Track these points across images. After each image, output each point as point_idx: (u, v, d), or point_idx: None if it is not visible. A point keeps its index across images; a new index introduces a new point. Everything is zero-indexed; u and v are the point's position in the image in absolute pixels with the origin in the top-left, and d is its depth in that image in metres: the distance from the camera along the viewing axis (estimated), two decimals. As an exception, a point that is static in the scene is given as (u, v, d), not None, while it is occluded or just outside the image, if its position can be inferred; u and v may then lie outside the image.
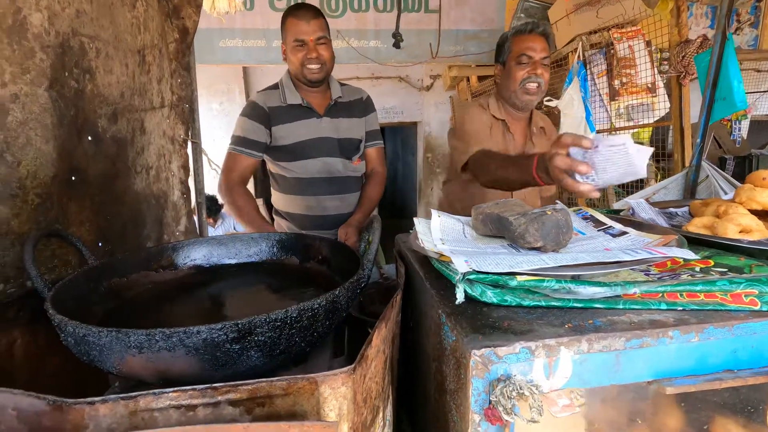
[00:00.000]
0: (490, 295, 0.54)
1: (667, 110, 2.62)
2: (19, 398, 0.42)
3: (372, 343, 0.52)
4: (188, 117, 1.44)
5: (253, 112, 1.53)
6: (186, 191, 1.45)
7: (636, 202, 0.96)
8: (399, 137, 6.87)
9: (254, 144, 1.51)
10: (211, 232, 3.11)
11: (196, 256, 0.95)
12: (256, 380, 0.44)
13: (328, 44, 1.51)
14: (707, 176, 1.70)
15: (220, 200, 3.29)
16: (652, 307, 0.52)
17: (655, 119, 2.70)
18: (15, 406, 0.42)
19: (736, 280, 0.52)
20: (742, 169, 3.62)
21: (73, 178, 0.82)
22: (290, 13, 1.49)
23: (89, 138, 0.87)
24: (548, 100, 2.78)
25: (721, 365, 0.50)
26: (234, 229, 3.11)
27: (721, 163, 3.59)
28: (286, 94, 1.56)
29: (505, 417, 0.44)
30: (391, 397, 0.65)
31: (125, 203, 1.05)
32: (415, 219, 0.87)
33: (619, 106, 2.77)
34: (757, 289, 0.50)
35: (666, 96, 2.59)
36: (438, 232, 0.82)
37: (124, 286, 0.82)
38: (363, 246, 0.94)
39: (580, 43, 2.69)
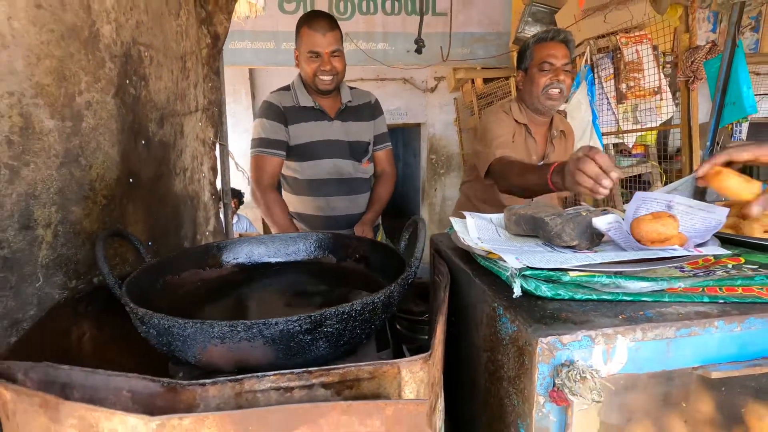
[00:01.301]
0: (545, 290, 0.59)
1: (673, 113, 2.68)
2: (134, 381, 0.47)
3: (436, 333, 0.57)
4: (217, 120, 1.49)
5: (270, 112, 1.57)
6: (215, 192, 1.49)
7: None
8: (403, 138, 6.92)
9: (277, 143, 1.56)
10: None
11: (239, 255, 1.00)
12: (346, 365, 0.48)
13: (342, 56, 1.55)
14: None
15: (247, 198, 3.45)
16: (696, 300, 0.57)
17: (661, 122, 2.76)
18: (129, 389, 0.47)
19: (773, 275, 0.57)
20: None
21: (131, 180, 0.86)
22: (306, 22, 1.52)
23: (142, 142, 0.91)
24: (557, 103, 2.84)
25: (759, 353, 0.55)
26: (247, 230, 3.16)
27: (723, 165, 3.67)
28: (299, 97, 1.61)
29: (571, 397, 0.48)
30: (443, 396, 0.69)
31: (168, 204, 1.10)
32: (451, 218, 0.92)
33: (626, 109, 2.83)
34: (793, 283, 0.55)
35: (671, 99, 2.65)
36: (474, 231, 0.86)
37: (177, 282, 0.87)
38: (402, 245, 0.99)
39: (588, 47, 2.75)
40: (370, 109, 1.74)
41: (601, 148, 2.74)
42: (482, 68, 4.19)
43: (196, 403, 0.45)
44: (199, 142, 1.36)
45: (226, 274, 0.97)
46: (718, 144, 1.71)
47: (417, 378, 0.50)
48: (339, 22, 1.55)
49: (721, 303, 0.57)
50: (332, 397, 0.48)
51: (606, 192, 0.90)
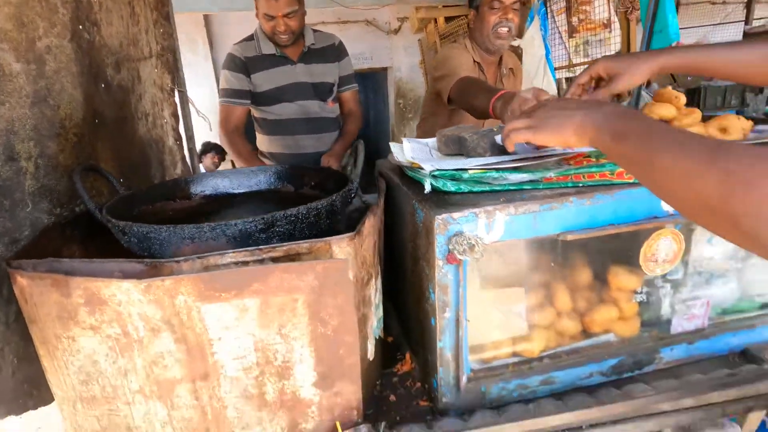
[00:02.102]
0: (449, 185, 0.74)
1: (620, 46, 2.80)
2: (124, 264, 0.61)
3: (365, 224, 0.72)
4: (173, 66, 1.54)
5: (233, 64, 1.65)
6: (178, 137, 1.57)
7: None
8: (369, 84, 6.84)
9: (240, 93, 1.65)
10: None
11: (205, 187, 1.12)
12: (289, 243, 0.63)
13: (296, 15, 1.60)
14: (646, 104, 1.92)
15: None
16: (562, 186, 0.74)
17: (610, 54, 2.88)
18: (120, 270, 0.61)
19: (620, 163, 0.74)
20: (691, 100, 3.91)
21: (96, 121, 0.95)
22: None
23: (102, 85, 0.99)
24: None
25: (605, 221, 0.73)
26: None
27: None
28: (261, 45, 1.67)
29: (459, 257, 0.65)
30: (379, 275, 0.86)
31: (134, 146, 1.19)
32: (390, 143, 1.05)
33: (577, 43, 2.93)
34: (632, 167, 0.72)
35: (619, 32, 2.76)
36: (409, 152, 1.01)
37: (151, 211, 0.99)
38: (349, 169, 1.12)
39: (541, -20, 2.79)
40: (335, 51, 1.80)
41: (554, 87, 2.87)
42: (444, 6, 4.15)
43: (173, 273, 0.60)
44: (157, 88, 1.42)
45: (194, 205, 1.09)
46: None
47: (344, 252, 0.66)
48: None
49: (580, 186, 0.74)
50: (279, 267, 0.63)
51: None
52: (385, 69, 5.22)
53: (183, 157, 1.61)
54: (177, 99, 1.58)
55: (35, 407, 0.80)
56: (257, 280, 0.59)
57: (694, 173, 0.39)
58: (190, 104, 1.68)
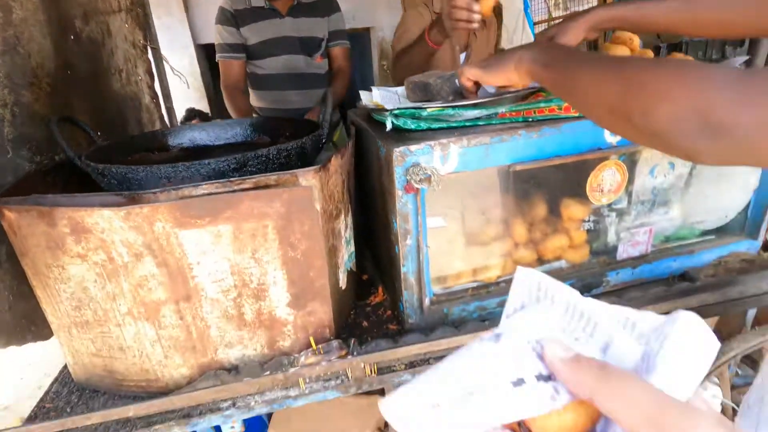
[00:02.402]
0: (409, 123, 0.80)
1: (601, -2, 2.79)
2: (105, 197, 0.66)
3: (331, 160, 0.78)
4: (143, 22, 1.52)
5: (224, 17, 1.66)
6: (154, 96, 1.58)
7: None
8: (352, 45, 6.69)
9: (234, 47, 1.67)
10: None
11: (183, 139, 1.15)
12: (258, 175, 0.68)
13: None
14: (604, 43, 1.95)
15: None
16: (514, 121, 0.79)
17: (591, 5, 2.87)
18: (102, 202, 0.66)
19: (567, 98, 0.79)
20: (675, 52, 3.94)
21: (69, 72, 0.97)
22: None
23: (72, 37, 1.00)
24: (491, -7, 2.88)
25: (553, 152, 0.79)
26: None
27: (656, 51, 3.88)
28: None
29: (416, 185, 0.71)
30: (350, 213, 0.92)
31: (109, 101, 1.21)
32: (360, 92, 1.09)
33: (557, -5, 2.91)
34: (577, 101, 0.78)
35: (599, -17, 2.74)
36: (378, 98, 1.05)
37: (128, 162, 1.02)
38: (320, 117, 1.16)
39: (520, -70, 2.73)
40: (325, 5, 1.79)
41: (533, 37, 2.86)
42: (425, -40, 4.02)
43: (151, 201, 0.65)
44: (129, 44, 1.42)
45: (172, 157, 1.12)
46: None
47: (310, 183, 0.71)
48: None
49: (530, 121, 0.79)
50: (250, 198, 0.69)
51: (478, 18, 1.06)
52: (368, 29, 5.09)
53: (161, 116, 1.62)
54: (151, 57, 1.58)
55: (34, 340, 0.87)
56: (230, 208, 0.65)
57: (601, 81, 0.45)
58: (165, 62, 1.67)
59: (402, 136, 0.79)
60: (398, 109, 0.81)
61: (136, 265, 0.66)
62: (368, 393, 1.41)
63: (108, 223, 0.63)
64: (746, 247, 1.02)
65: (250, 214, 0.66)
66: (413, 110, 0.80)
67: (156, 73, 1.62)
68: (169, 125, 1.72)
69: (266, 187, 0.69)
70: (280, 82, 1.79)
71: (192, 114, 3.78)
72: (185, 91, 3.61)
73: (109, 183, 0.80)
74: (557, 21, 2.95)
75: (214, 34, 1.72)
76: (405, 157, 0.73)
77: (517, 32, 2.77)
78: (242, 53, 1.71)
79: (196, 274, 0.69)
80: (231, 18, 1.66)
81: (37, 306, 0.83)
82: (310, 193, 0.67)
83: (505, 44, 2.97)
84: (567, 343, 0.28)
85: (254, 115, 1.88)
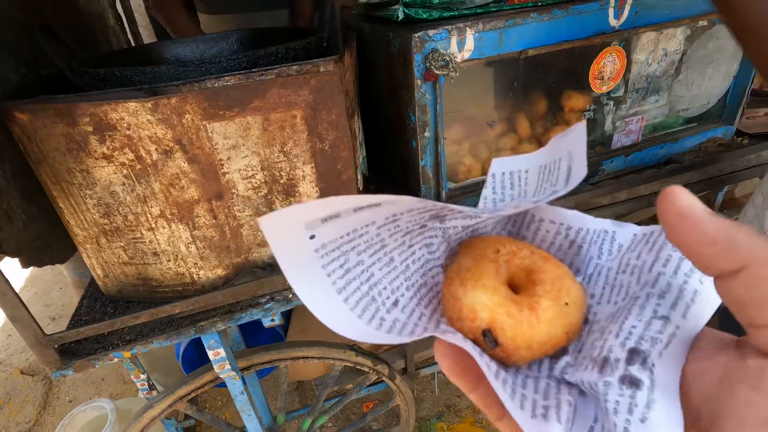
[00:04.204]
0: (421, 12, 0.79)
1: None
2: (124, 92, 0.63)
3: (345, 54, 0.77)
4: (95, -70, 1.36)
5: None
6: (118, 18, 1.45)
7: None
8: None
9: None
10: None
11: (167, 55, 1.08)
12: (280, 65, 0.67)
13: None
14: None
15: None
16: (525, 6, 0.80)
17: None
18: (122, 96, 0.63)
19: (574, -19, 0.80)
20: None
21: (35, -25, 0.87)
22: None
23: (30, -66, 0.89)
24: None
25: (562, 37, 0.81)
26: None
27: None
28: None
29: (436, 72, 0.72)
30: (359, 116, 0.92)
31: (78, 18, 1.11)
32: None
33: None
34: (585, -17, 0.79)
35: None
36: None
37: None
38: (316, 20, 1.12)
39: None
40: None
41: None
42: None
43: (177, 95, 0.63)
44: (84, -46, 1.27)
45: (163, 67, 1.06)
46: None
47: (332, 74, 0.71)
48: None
49: (540, 5, 0.80)
50: (274, 90, 0.68)
51: None
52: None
53: (128, 41, 1.50)
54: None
55: (51, 263, 0.86)
56: (258, 96, 0.64)
57: None
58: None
59: (414, 26, 0.78)
60: (409, -2, 0.79)
61: (166, 163, 0.66)
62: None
63: (135, 118, 0.61)
64: (723, 132, 1.10)
65: (278, 104, 0.66)
66: (424, -1, 0.79)
67: (116, -8, 1.47)
68: (137, 52, 1.60)
69: (288, 77, 0.68)
70: (243, 3, 1.65)
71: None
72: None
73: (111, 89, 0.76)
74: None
75: None
76: (424, 43, 0.73)
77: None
78: None
79: (227, 170, 0.69)
80: None
81: (50, 227, 0.82)
82: (338, 77, 0.67)
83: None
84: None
85: None
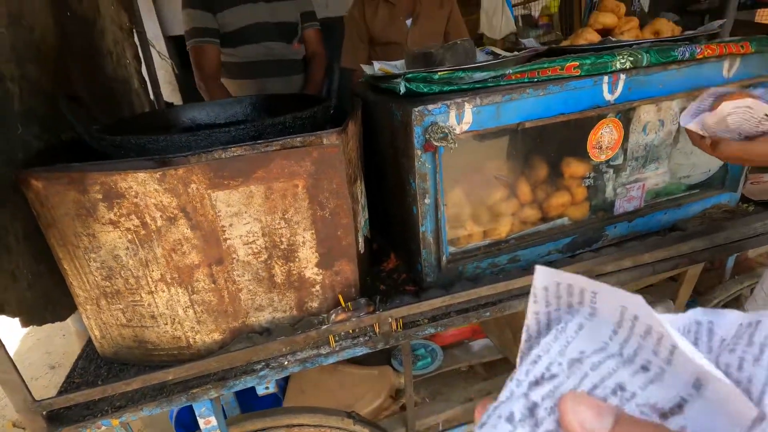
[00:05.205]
0: (422, 86, 0.83)
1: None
2: (135, 162, 0.66)
3: (349, 124, 0.80)
4: (128, 4, 1.49)
5: (195, 0, 1.60)
6: (143, 82, 1.55)
7: (528, 40, 1.26)
8: (325, 33, 6.62)
9: (209, 31, 1.62)
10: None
11: (184, 118, 1.14)
12: (284, 137, 0.70)
13: None
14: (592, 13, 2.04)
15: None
16: (521, 82, 0.84)
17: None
18: (132, 167, 0.66)
19: (569, 58, 0.84)
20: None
21: (68, 48, 0.95)
22: None
23: (68, 14, 0.98)
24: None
25: (557, 110, 0.84)
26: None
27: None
28: None
29: (435, 143, 0.75)
30: (362, 180, 0.95)
31: (102, 83, 1.19)
32: (362, 65, 1.11)
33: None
34: (578, 62, 0.83)
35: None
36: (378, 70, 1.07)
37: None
38: (325, 89, 1.18)
39: None
40: None
41: (512, 24, 2.93)
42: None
43: (182, 163, 0.66)
44: (117, 26, 1.39)
45: (174, 136, 1.12)
46: (596, 5, 1.97)
47: (334, 146, 0.74)
48: None
49: (536, 81, 0.84)
50: (278, 160, 0.71)
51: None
52: (341, 18, 5.07)
53: (150, 102, 1.59)
54: (137, 42, 1.54)
55: (52, 321, 0.86)
56: (261, 167, 0.67)
57: None
58: (151, 48, 1.63)
59: (415, 99, 0.82)
60: (410, 73, 0.83)
61: (169, 229, 0.67)
62: (377, 364, 1.45)
63: (143, 187, 0.64)
64: (727, 199, 1.10)
65: (281, 174, 0.68)
66: (425, 74, 0.84)
67: (143, 58, 1.59)
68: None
69: (292, 149, 0.71)
70: (260, 70, 1.77)
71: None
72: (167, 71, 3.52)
73: (127, 156, 0.80)
74: (532, 1, 3.04)
75: (183, 18, 1.64)
76: (424, 117, 0.76)
77: (496, 14, 2.83)
78: (217, 38, 1.64)
79: (228, 236, 0.70)
80: (203, 1, 1.61)
81: (54, 285, 0.83)
82: (338, 150, 0.69)
83: (483, 27, 3.03)
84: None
85: None
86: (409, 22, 1.90)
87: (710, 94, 0.73)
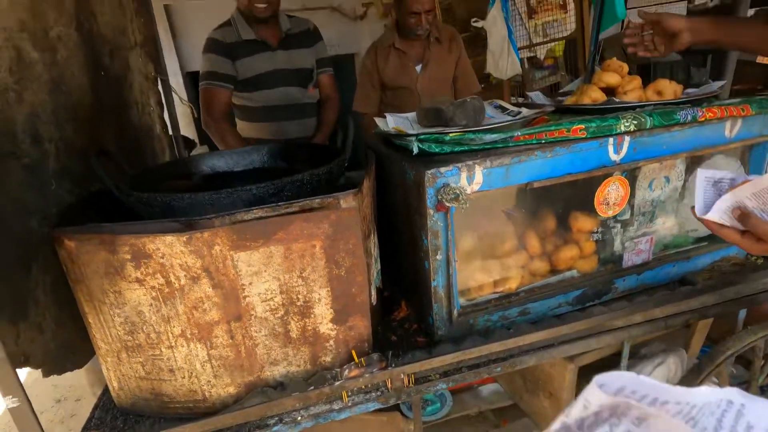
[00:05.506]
0: (434, 147, 0.87)
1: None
2: (164, 224, 0.70)
3: (364, 183, 0.84)
4: (154, 55, 1.58)
5: (216, 47, 1.69)
6: (164, 125, 1.62)
7: (534, 93, 1.31)
8: (336, 70, 6.85)
9: (224, 77, 1.70)
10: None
11: (204, 166, 1.19)
12: (304, 199, 0.74)
13: None
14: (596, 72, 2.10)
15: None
16: (528, 143, 0.87)
17: (567, 34, 3.07)
18: (160, 229, 0.70)
19: (575, 121, 0.88)
20: (642, 76, 4.21)
21: (100, 106, 1.01)
22: None
23: (102, 73, 1.05)
24: (474, 21, 3.05)
25: (565, 170, 0.87)
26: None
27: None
28: (240, 30, 1.73)
29: (447, 204, 0.78)
30: (375, 233, 0.98)
31: (129, 133, 1.25)
32: (375, 119, 1.17)
33: (536, 24, 3.10)
34: (584, 125, 0.87)
35: (574, 13, 2.94)
36: (392, 123, 1.12)
37: (156, 191, 1.06)
38: (339, 142, 1.23)
39: (500, -36, 2.92)
40: (310, 36, 1.88)
41: (518, 66, 3.03)
42: (407, -9, 4.23)
43: (207, 226, 0.70)
44: (143, 77, 1.47)
45: (195, 183, 1.17)
46: (599, 52, 2.04)
47: (350, 205, 0.77)
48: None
49: (543, 143, 0.88)
50: (297, 221, 0.74)
51: None
52: (352, 55, 5.26)
53: (171, 144, 1.66)
54: (160, 87, 1.63)
55: (71, 369, 0.88)
56: (282, 229, 0.70)
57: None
58: (173, 93, 1.72)
59: (427, 159, 0.86)
60: (423, 134, 0.88)
61: (192, 288, 0.70)
62: (386, 410, 1.43)
63: (169, 248, 0.67)
64: (736, 251, 1.11)
65: (300, 235, 0.71)
66: (437, 135, 0.88)
67: (165, 102, 1.67)
68: (177, 153, 1.76)
69: (310, 209, 0.75)
70: (277, 113, 1.84)
71: (187, 143, 3.81)
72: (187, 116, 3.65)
73: (152, 211, 0.84)
74: (538, 45, 3.14)
75: (201, 62, 1.73)
76: (436, 179, 0.79)
77: (502, 56, 2.93)
78: (231, 84, 1.72)
79: (247, 294, 0.73)
80: (226, 49, 1.69)
81: (75, 334, 0.85)
82: (355, 213, 0.73)
83: (490, 67, 3.13)
84: None
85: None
86: (419, 68, 1.98)
87: (708, 180, 0.70)
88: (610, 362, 1.11)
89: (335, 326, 0.80)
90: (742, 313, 1.29)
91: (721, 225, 0.67)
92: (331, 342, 0.81)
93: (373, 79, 2.00)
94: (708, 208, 0.67)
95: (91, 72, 0.98)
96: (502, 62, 2.92)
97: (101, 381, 0.89)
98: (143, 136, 1.38)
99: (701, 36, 0.94)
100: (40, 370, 0.80)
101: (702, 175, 0.70)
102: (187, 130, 4.32)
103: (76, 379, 2.61)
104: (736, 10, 1.79)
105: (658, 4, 5.12)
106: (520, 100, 3.37)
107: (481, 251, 0.97)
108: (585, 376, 1.22)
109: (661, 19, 0.96)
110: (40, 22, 0.80)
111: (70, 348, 0.86)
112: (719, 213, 0.66)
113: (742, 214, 0.64)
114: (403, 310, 1.08)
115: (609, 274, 1.03)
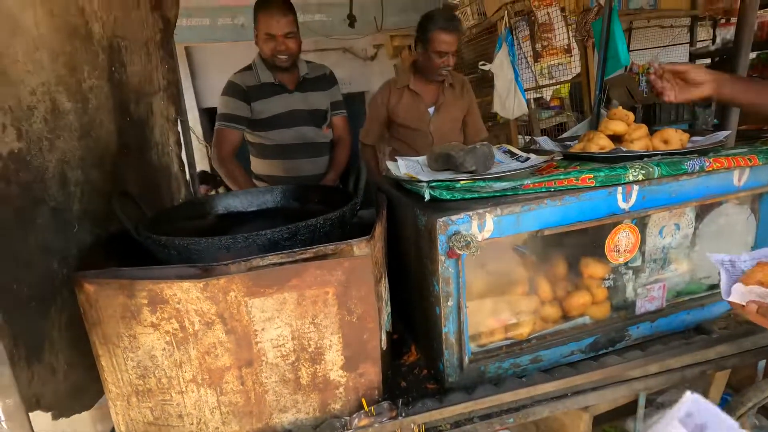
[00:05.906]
0: (445, 194, 0.89)
1: (581, 69, 3.08)
2: (181, 269, 0.71)
3: (377, 229, 0.85)
4: (176, 98, 1.65)
5: (234, 91, 1.78)
6: (181, 164, 1.67)
7: (542, 138, 1.34)
8: (348, 107, 7.06)
9: (239, 119, 1.77)
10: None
11: (218, 207, 1.23)
12: (318, 245, 0.75)
13: (296, 36, 1.77)
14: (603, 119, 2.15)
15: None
16: (537, 191, 0.89)
17: (572, 76, 3.16)
18: (178, 274, 0.71)
19: (583, 170, 0.90)
20: (648, 115, 4.27)
21: (124, 151, 1.06)
22: (263, 6, 1.72)
23: (127, 119, 1.10)
24: (482, 64, 3.16)
25: (574, 218, 0.88)
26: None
27: (633, 111, 4.21)
28: (260, 74, 1.81)
29: (458, 252, 0.79)
30: (386, 276, 0.99)
31: (149, 174, 1.30)
32: (386, 162, 1.20)
33: (542, 66, 3.20)
34: (593, 174, 0.89)
35: (579, 56, 3.04)
36: (404, 168, 1.15)
37: (173, 232, 1.09)
38: (352, 186, 1.26)
39: (506, 12, 3.06)
40: (326, 80, 1.97)
41: (524, 107, 3.11)
42: (417, 34, 4.41)
43: (223, 273, 0.71)
44: (164, 119, 1.53)
45: (210, 223, 1.19)
46: (605, 93, 2.09)
47: (363, 252, 0.78)
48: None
49: (552, 191, 0.89)
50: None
51: None
52: (362, 93, 5.44)
53: (186, 183, 1.71)
54: (179, 128, 1.69)
55: (79, 411, 0.88)
56: (296, 276, 0.71)
57: None
58: (192, 133, 1.79)
59: (438, 205, 0.88)
60: (434, 181, 0.90)
61: (206, 333, 0.71)
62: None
63: (186, 294, 0.68)
64: (751, 299, 1.09)
65: (313, 282, 0.72)
66: (448, 182, 0.90)
67: (183, 142, 1.73)
68: (192, 191, 1.81)
69: (324, 256, 0.76)
70: (291, 152, 1.91)
71: (202, 179, 3.90)
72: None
73: (169, 254, 0.86)
74: (544, 87, 3.23)
75: (219, 103, 1.81)
76: (447, 227, 0.81)
77: (509, 98, 3.01)
78: (244, 125, 1.80)
79: (259, 339, 0.73)
80: (242, 93, 1.78)
81: (85, 376, 0.86)
82: (368, 261, 0.74)
83: (497, 107, 3.21)
84: None
85: (258, 182, 1.98)
86: (431, 110, 2.04)
87: (722, 263, 0.77)
88: (626, 410, 1.07)
89: (345, 373, 0.79)
90: (761, 365, 1.26)
91: (743, 306, 0.72)
92: (341, 389, 0.80)
93: (381, 115, 2.08)
94: (730, 288, 0.73)
95: (118, 118, 1.03)
96: (509, 103, 3.00)
97: (105, 417, 0.88)
98: (161, 176, 1.42)
99: (721, 89, 0.98)
100: (50, 413, 0.80)
101: (714, 259, 0.78)
102: (202, 163, 4.44)
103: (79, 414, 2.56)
104: (737, 53, 1.84)
105: (660, 47, 5.29)
106: (527, 138, 3.43)
107: (492, 295, 0.97)
108: (599, 424, 1.18)
109: (687, 69, 1.01)
110: (75, 75, 0.86)
111: (78, 389, 0.86)
112: (739, 295, 0.72)
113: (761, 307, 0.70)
114: (413, 353, 1.07)
115: (622, 321, 1.02)
